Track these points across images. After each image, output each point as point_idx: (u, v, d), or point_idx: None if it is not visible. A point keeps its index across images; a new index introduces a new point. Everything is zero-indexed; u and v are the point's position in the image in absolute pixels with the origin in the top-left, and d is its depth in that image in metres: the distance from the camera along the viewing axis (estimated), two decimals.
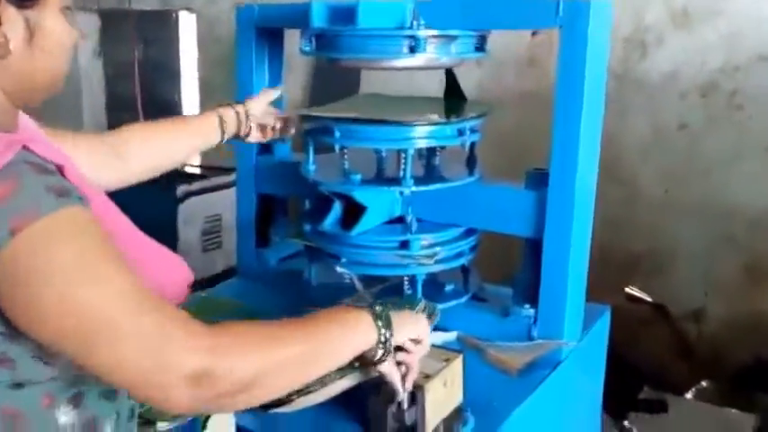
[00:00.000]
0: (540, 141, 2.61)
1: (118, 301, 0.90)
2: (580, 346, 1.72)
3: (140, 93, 4.87)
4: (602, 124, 1.69)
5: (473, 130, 1.75)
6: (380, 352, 1.18)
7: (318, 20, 1.65)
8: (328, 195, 1.73)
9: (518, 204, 1.68)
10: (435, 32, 1.62)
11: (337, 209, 1.73)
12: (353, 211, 1.71)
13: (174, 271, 1.19)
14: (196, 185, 4.03)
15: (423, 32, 1.60)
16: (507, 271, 2.79)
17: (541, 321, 1.67)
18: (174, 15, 4.72)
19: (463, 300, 1.82)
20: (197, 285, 3.71)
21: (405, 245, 1.74)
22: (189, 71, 4.79)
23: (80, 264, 0.90)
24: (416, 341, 1.26)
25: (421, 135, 1.67)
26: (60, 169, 0.96)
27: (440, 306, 1.72)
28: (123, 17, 4.75)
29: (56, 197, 0.89)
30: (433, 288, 1.83)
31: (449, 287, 1.84)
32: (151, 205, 4.07)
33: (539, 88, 3.22)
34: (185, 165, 4.61)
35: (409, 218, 1.77)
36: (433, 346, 1.45)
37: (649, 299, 3.16)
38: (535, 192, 1.65)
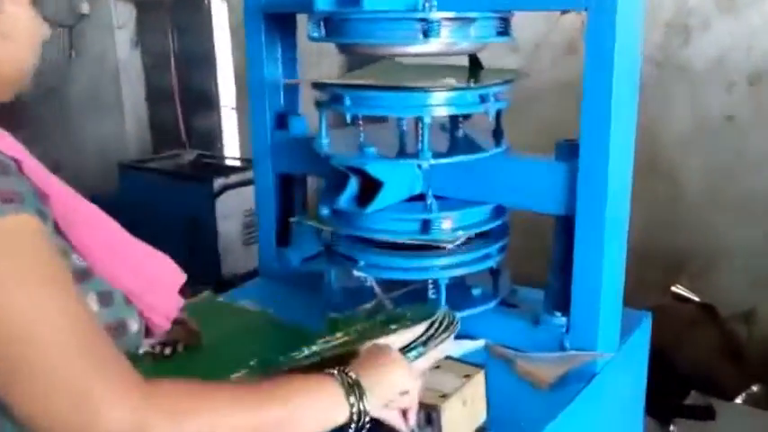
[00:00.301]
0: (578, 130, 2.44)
1: (50, 332, 0.79)
2: (617, 357, 1.60)
3: (177, 83, 4.86)
4: (637, 97, 1.56)
5: (497, 98, 1.61)
6: (354, 427, 1.01)
7: (323, 2, 1.53)
8: (344, 171, 1.62)
9: (547, 177, 1.55)
10: (451, 15, 1.50)
11: (353, 185, 1.61)
12: (371, 189, 1.59)
13: (164, 272, 1.09)
14: (233, 178, 4.00)
15: (436, 15, 1.48)
16: (540, 271, 2.67)
17: (574, 330, 1.56)
18: (205, 3, 4.68)
19: (491, 305, 1.70)
20: (240, 278, 3.66)
21: (425, 227, 1.62)
22: (224, 60, 4.75)
23: (13, 282, 0.78)
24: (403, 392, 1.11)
25: (438, 102, 1.54)
26: (18, 165, 0.87)
27: (466, 312, 1.63)
28: (158, 6, 4.73)
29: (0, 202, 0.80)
30: (460, 292, 1.72)
31: (476, 291, 1.73)
32: (189, 200, 4.12)
33: (578, 75, 3.08)
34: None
35: (429, 199, 1.64)
36: (452, 358, 1.36)
37: (697, 298, 3.02)
38: (565, 163, 1.52)
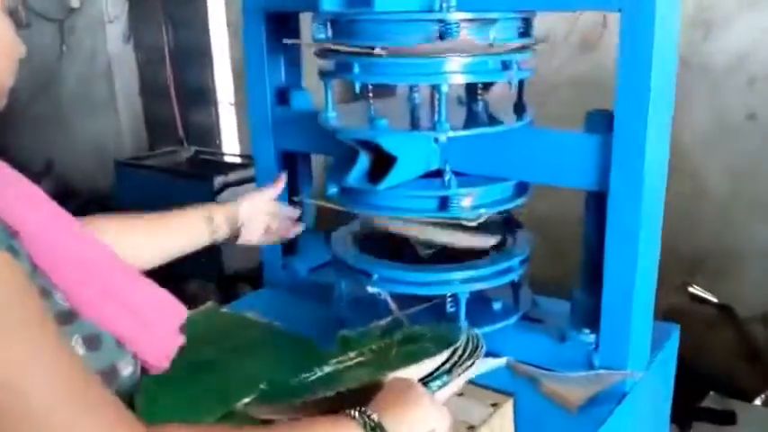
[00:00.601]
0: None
1: (35, 377, 0.71)
2: (647, 375, 1.51)
3: (173, 78, 4.76)
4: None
5: (520, 66, 1.49)
6: None
7: (329, 2, 1.41)
8: (353, 146, 1.51)
9: (578, 151, 1.43)
10: (470, 15, 1.39)
11: (363, 161, 1.50)
12: (383, 165, 1.47)
13: (163, 312, 0.99)
14: (233, 176, 3.90)
15: (455, 15, 1.37)
16: (562, 279, 2.56)
17: (604, 347, 1.46)
18: None
19: (513, 320, 1.61)
20: (239, 278, 3.55)
21: (444, 205, 1.51)
22: (221, 54, 4.63)
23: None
24: None
25: (457, 68, 1.41)
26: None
27: (487, 328, 1.54)
28: None
29: None
30: (479, 306, 1.62)
31: (497, 305, 1.63)
32: (188, 198, 3.99)
33: (592, 72, 2.99)
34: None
35: (448, 175, 1.52)
36: (473, 382, 1.27)
37: (715, 299, 2.93)
38: (598, 135, 1.40)
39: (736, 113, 2.81)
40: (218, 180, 3.85)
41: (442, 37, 1.38)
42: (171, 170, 4.17)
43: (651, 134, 1.34)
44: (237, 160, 4.36)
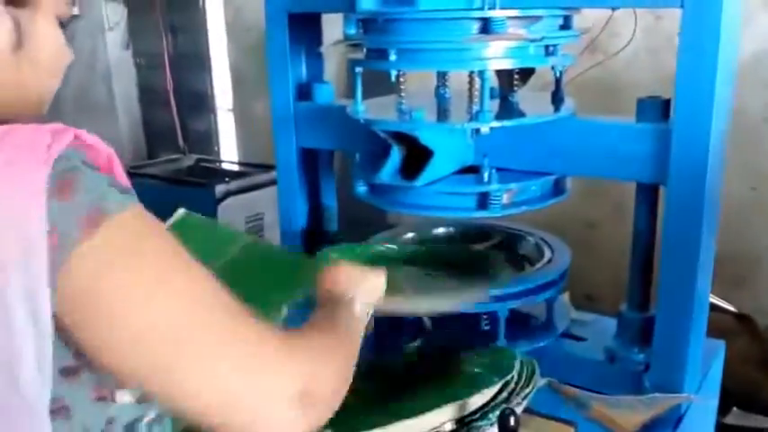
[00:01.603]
0: None
1: (212, 311, 0.77)
2: (700, 397, 1.43)
3: (172, 84, 4.69)
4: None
5: (564, 53, 1.42)
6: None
7: (367, 1, 1.33)
8: (384, 141, 1.42)
9: (629, 141, 1.34)
10: (515, 12, 1.31)
11: (396, 156, 1.41)
12: (416, 159, 1.39)
13: None
14: (235, 184, 3.81)
15: (498, 13, 1.30)
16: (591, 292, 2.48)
17: (656, 368, 1.38)
18: (200, 2, 4.48)
19: (553, 338, 1.53)
20: None
21: (483, 202, 1.43)
22: (219, 60, 4.56)
23: (162, 270, 0.75)
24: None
25: (498, 54, 1.33)
26: (110, 167, 0.80)
27: (526, 347, 1.47)
28: (150, 6, 4.53)
29: (120, 193, 0.75)
30: (515, 323, 1.54)
31: (535, 322, 1.56)
32: (190, 208, 3.90)
33: (600, 74, 2.92)
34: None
35: (487, 171, 1.43)
36: (534, 410, 1.19)
37: (732, 308, 2.86)
38: (653, 125, 1.32)
39: (755, 114, 2.75)
40: (220, 188, 3.76)
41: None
42: (172, 179, 4.08)
43: (716, 122, 1.26)
44: (237, 168, 4.28)
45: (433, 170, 1.39)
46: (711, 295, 2.88)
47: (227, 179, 3.86)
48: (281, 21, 1.66)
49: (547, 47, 1.37)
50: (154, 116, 4.98)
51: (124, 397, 0.81)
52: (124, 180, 0.78)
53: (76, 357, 0.75)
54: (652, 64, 2.79)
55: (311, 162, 1.80)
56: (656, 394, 1.35)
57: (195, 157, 4.46)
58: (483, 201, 1.43)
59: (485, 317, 1.52)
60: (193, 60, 4.67)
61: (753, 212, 2.83)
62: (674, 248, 1.31)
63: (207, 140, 4.82)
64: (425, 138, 1.37)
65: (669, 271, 1.32)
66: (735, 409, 2.59)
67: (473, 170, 1.47)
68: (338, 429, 1.12)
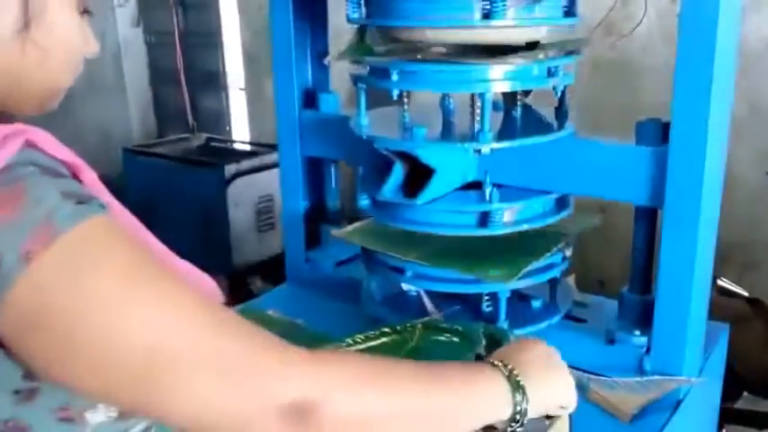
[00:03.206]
0: (614, 113, 2.25)
1: (186, 324, 0.70)
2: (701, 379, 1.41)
3: (183, 63, 4.67)
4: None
5: (566, 71, 1.41)
6: (509, 427, 0.90)
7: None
8: (387, 156, 1.43)
9: (628, 164, 1.34)
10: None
11: (398, 172, 1.42)
12: (418, 176, 1.40)
13: (206, 290, 0.94)
14: (245, 164, 3.81)
15: None
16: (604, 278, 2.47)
17: (657, 351, 1.36)
18: None
19: (555, 320, 1.51)
20: (251, 272, 3.45)
21: (484, 220, 1.43)
22: (231, 39, 4.53)
23: (126, 286, 0.68)
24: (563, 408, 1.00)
25: (500, 76, 1.34)
26: (75, 173, 0.74)
27: (528, 329, 1.45)
28: None
29: (75, 204, 0.67)
30: (517, 305, 1.53)
31: (536, 303, 1.54)
32: (199, 187, 3.92)
33: (615, 56, 2.88)
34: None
35: (489, 188, 1.43)
36: None
37: (745, 293, 2.82)
38: (651, 148, 1.32)
39: None
40: (230, 168, 3.75)
41: (487, 16, 1.28)
42: (181, 158, 4.07)
43: (711, 146, 1.25)
44: (248, 148, 4.26)
45: (435, 188, 1.41)
46: (723, 279, 2.87)
47: (237, 159, 3.85)
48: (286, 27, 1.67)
49: (549, 68, 1.37)
50: (164, 95, 4.98)
51: (97, 416, 0.76)
52: (93, 185, 0.74)
53: (29, 378, 0.71)
54: (666, 46, 2.74)
55: (316, 167, 1.81)
56: (655, 377, 1.33)
57: (205, 136, 4.45)
58: (484, 219, 1.43)
59: (486, 297, 1.51)
60: (204, 38, 4.65)
61: (766, 197, 2.79)
62: (673, 230, 1.29)
63: (218, 120, 4.81)
64: (427, 156, 1.38)
65: (669, 253, 1.30)
66: (746, 393, 2.56)
67: (476, 185, 1.47)
68: None
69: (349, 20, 1.42)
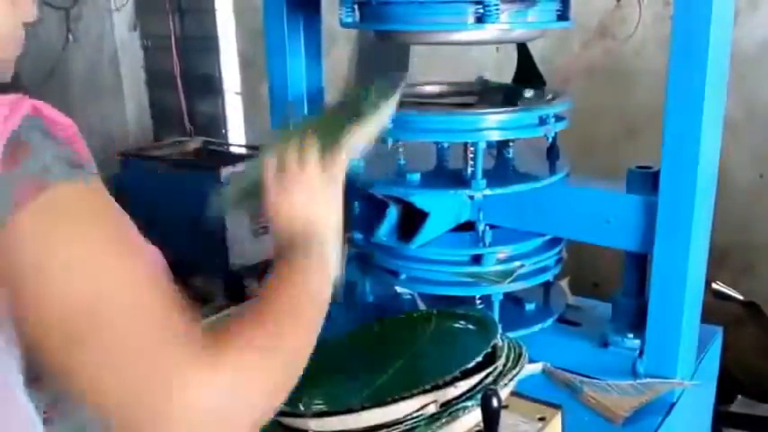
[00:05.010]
0: (609, 119, 2.25)
1: (131, 315, 0.70)
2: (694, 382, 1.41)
3: (179, 66, 4.67)
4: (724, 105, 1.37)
5: (558, 118, 1.44)
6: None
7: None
8: (382, 199, 1.44)
9: (618, 212, 1.37)
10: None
11: (393, 215, 1.45)
12: (412, 217, 1.43)
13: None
14: (241, 168, 3.78)
15: None
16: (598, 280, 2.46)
17: (650, 354, 1.37)
18: None
19: (548, 323, 1.51)
20: (246, 273, 3.42)
21: (476, 260, 1.44)
22: (227, 43, 4.53)
23: (94, 255, 0.71)
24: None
25: (493, 125, 1.38)
26: (72, 142, 0.77)
27: (521, 332, 1.45)
28: None
29: (68, 166, 0.72)
30: (511, 308, 1.53)
31: (530, 307, 1.54)
32: (193, 190, 3.91)
33: (609, 61, 2.88)
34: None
35: (481, 227, 1.47)
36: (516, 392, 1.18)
37: (740, 296, 2.82)
38: (641, 197, 1.34)
39: (765, 100, 2.70)
40: (225, 171, 3.75)
41: (479, 20, 1.29)
42: (177, 161, 4.07)
43: (700, 195, 1.28)
44: (244, 151, 4.26)
45: (429, 231, 1.43)
46: (719, 283, 2.87)
47: (233, 162, 3.85)
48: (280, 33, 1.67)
49: (540, 117, 1.40)
50: (161, 98, 4.97)
51: None
52: (85, 155, 0.77)
53: None
54: (661, 51, 2.75)
55: None
56: (648, 380, 1.34)
57: (202, 139, 4.45)
58: (477, 260, 1.47)
59: (479, 300, 1.51)
60: (201, 42, 4.64)
61: (761, 200, 2.79)
62: (666, 233, 1.30)
63: (214, 123, 4.81)
64: (421, 202, 1.41)
65: (662, 256, 1.30)
66: (740, 397, 2.56)
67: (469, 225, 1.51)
68: (330, 403, 1.12)
69: (342, 24, 1.43)
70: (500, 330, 1.22)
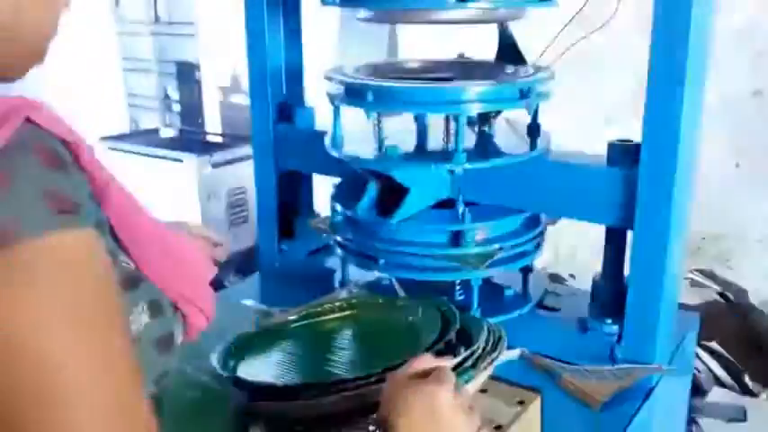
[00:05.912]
0: (587, 106, 2.24)
1: (88, 387, 0.61)
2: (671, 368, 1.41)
3: (156, 54, 4.63)
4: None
5: (539, 93, 1.42)
6: None
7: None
8: (361, 174, 1.43)
9: (599, 186, 1.35)
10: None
11: (372, 190, 1.44)
12: (392, 193, 1.41)
13: (205, 262, 0.93)
14: (218, 157, 3.77)
15: None
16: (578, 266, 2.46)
17: (628, 339, 1.36)
18: None
19: (527, 309, 1.51)
20: (226, 262, 3.45)
21: (456, 240, 1.43)
22: (206, 29, 4.48)
23: (63, 321, 0.60)
24: None
25: (474, 97, 1.35)
26: (73, 151, 0.65)
27: (500, 318, 1.45)
28: None
29: (52, 213, 0.60)
30: (489, 293, 1.52)
31: (509, 292, 1.54)
32: (170, 180, 3.88)
33: (586, 47, 2.87)
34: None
35: (461, 208, 1.45)
36: (496, 377, 1.16)
37: (716, 286, 2.84)
38: (622, 170, 1.32)
39: (742, 89, 2.71)
40: (202, 161, 3.72)
41: None
42: (153, 150, 4.02)
43: (681, 170, 1.26)
44: (221, 140, 4.23)
45: (409, 206, 1.42)
46: (695, 273, 2.88)
47: (209, 151, 3.82)
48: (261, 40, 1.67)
49: (521, 90, 1.38)
50: (137, 85, 4.93)
51: None
52: (91, 165, 0.67)
53: None
54: (640, 41, 2.75)
55: (291, 181, 1.81)
56: (626, 365, 1.33)
57: (178, 128, 4.41)
58: (456, 238, 1.44)
59: (458, 286, 1.50)
60: (179, 29, 4.60)
61: (738, 189, 2.80)
62: (647, 207, 1.29)
63: (191, 112, 4.77)
64: (401, 176, 1.39)
65: (642, 231, 1.30)
66: (715, 387, 2.58)
67: (449, 203, 1.48)
68: None
69: (323, 2, 1.41)
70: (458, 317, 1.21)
